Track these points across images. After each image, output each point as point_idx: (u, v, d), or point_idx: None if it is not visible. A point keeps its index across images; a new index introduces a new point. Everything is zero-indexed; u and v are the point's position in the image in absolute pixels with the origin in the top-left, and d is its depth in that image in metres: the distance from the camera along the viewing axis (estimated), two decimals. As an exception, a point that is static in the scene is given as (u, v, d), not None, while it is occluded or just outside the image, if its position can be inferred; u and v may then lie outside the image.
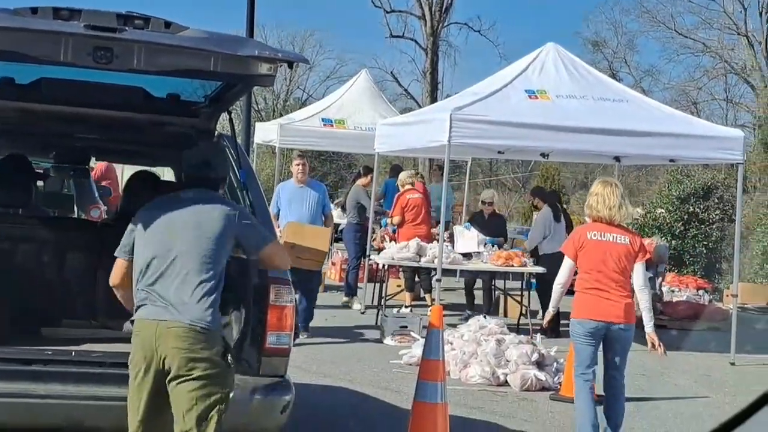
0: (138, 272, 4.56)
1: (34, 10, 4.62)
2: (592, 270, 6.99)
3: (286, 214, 11.00)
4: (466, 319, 11.82)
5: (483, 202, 13.53)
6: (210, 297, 4.46)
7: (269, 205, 8.63)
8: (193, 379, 4.35)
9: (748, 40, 36.55)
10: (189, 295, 4.45)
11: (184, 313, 4.41)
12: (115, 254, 4.78)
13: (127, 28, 4.77)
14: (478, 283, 13.47)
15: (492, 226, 13.23)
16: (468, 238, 12.44)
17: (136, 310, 4.55)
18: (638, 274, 7.07)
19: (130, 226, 4.73)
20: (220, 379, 4.40)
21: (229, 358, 4.47)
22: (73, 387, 5.03)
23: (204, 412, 4.35)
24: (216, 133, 6.57)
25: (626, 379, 7.31)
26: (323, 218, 10.93)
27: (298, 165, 11.40)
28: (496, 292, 13.77)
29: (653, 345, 7.18)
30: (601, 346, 7.12)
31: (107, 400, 5.00)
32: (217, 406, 4.38)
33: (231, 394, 4.48)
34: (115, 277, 4.78)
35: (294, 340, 5.44)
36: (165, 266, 4.50)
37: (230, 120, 6.58)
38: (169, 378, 4.37)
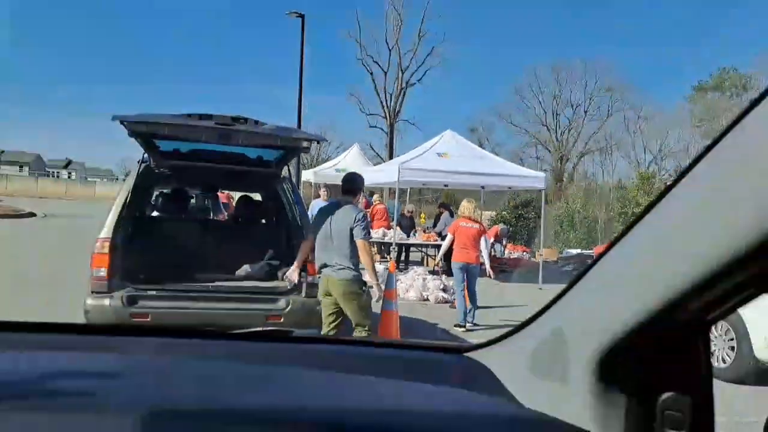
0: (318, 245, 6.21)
1: (189, 115, 6.11)
2: (462, 240, 10.00)
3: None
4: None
5: (408, 211, 20.34)
6: (350, 261, 6.07)
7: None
8: (345, 301, 6.02)
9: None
10: (341, 260, 6.09)
11: (338, 272, 5.99)
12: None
13: (235, 124, 6.21)
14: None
15: (407, 223, 19.40)
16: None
17: (319, 269, 6.26)
18: (482, 243, 10.29)
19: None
20: (360, 298, 6.04)
21: (364, 288, 6.00)
22: (205, 303, 6.52)
23: (352, 317, 6.10)
24: (282, 175, 8.15)
25: (478, 293, 10.47)
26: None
27: (324, 190, 18.05)
28: (421, 253, 20.33)
29: (488, 274, 10.69)
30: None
31: (227, 310, 6.45)
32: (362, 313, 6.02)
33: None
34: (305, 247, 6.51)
35: None
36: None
37: (288, 170, 8.01)
38: (334, 300, 6.13)
